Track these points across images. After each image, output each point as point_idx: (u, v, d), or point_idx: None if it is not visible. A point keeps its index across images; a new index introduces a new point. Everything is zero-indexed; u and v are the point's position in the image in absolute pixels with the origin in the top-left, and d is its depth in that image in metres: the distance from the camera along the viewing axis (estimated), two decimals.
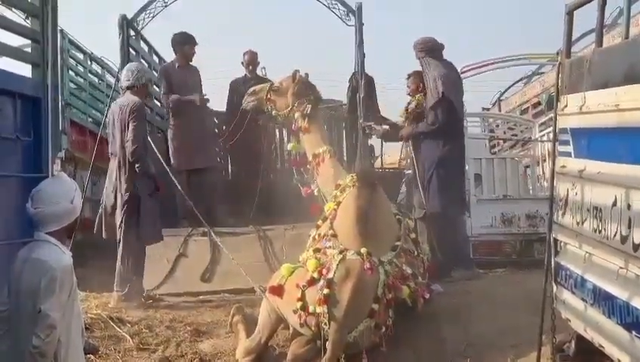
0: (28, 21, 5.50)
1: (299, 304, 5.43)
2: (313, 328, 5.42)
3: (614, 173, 4.05)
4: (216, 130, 11.39)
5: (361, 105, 8.43)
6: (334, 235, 5.87)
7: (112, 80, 10.14)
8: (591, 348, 4.53)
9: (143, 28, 9.24)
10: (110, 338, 5.95)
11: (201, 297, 7.40)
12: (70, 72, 9.74)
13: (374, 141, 9.12)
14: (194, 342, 5.98)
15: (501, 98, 15.57)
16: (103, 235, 7.15)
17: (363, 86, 8.43)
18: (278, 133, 10.77)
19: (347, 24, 8.81)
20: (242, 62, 10.06)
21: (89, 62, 10.52)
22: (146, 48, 9.89)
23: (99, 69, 10.99)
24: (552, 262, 5.02)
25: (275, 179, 10.31)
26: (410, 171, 8.66)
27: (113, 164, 7.12)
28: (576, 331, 4.83)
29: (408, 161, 8.82)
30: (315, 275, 5.49)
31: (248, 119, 8.24)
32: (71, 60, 9.76)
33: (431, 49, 7.91)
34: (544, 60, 11.74)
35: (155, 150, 7.44)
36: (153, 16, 9.15)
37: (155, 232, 7.22)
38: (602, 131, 4.31)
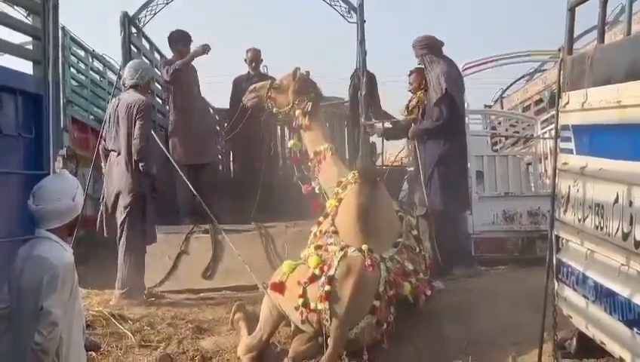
0: (29, 18, 5.50)
1: (300, 301, 5.43)
2: (314, 325, 5.42)
3: (616, 169, 4.04)
4: (218, 127, 11.41)
5: (362, 102, 8.42)
6: (335, 232, 5.87)
7: (113, 77, 10.13)
8: (592, 344, 4.53)
9: (144, 25, 9.25)
10: (112, 335, 5.95)
11: (202, 294, 7.40)
12: (72, 69, 9.75)
13: (377, 139, 9.12)
14: (195, 339, 5.98)
15: (503, 95, 15.54)
16: (104, 234, 7.14)
17: (365, 83, 8.42)
18: (279, 131, 10.78)
19: (349, 21, 8.82)
20: (245, 60, 10.10)
21: (90, 60, 10.52)
22: (147, 46, 9.90)
23: (100, 67, 10.99)
24: (554, 259, 5.02)
25: (276, 176, 10.30)
26: (412, 168, 8.65)
27: (113, 161, 7.08)
28: (577, 328, 4.83)
29: (410, 158, 8.82)
30: (317, 272, 5.49)
31: (250, 116, 8.24)
32: (72, 58, 9.76)
33: (432, 46, 7.92)
34: (546, 57, 11.73)
35: (162, 146, 7.45)
36: (155, 14, 9.16)
37: (154, 233, 7.23)
38: (604, 128, 4.30)
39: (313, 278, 5.47)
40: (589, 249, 4.44)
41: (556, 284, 4.99)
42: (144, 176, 6.97)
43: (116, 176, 7.03)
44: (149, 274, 7.29)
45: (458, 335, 5.78)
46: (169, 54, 9.54)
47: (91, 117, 10.18)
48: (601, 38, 4.75)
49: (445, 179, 7.73)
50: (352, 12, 8.75)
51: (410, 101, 8.37)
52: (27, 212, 3.88)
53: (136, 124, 6.92)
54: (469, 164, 8.74)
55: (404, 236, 6.08)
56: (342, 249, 5.58)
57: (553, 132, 5.36)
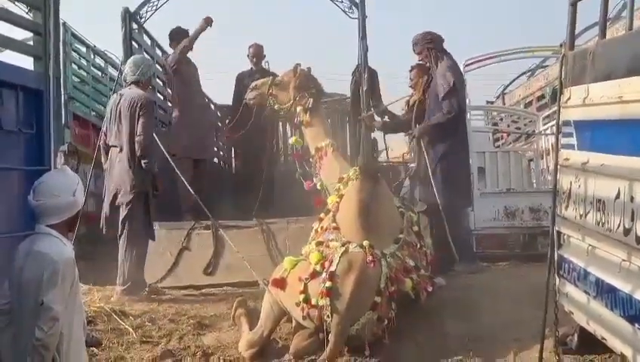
0: (30, 14, 5.49)
1: (301, 297, 5.43)
2: (315, 321, 5.42)
3: (617, 165, 4.03)
4: (219, 124, 11.43)
5: (364, 98, 8.41)
6: (337, 228, 5.87)
7: (114, 73, 10.13)
8: (594, 340, 4.53)
9: (145, 21, 9.24)
10: (113, 331, 5.95)
11: (203, 290, 7.40)
12: (73, 65, 9.74)
13: (378, 135, 9.12)
14: (197, 334, 5.98)
15: (505, 91, 15.53)
16: (104, 230, 7.14)
17: (366, 79, 8.41)
18: (281, 127, 10.79)
19: (350, 17, 8.80)
20: (247, 55, 10.15)
21: (92, 56, 10.51)
22: (148, 42, 9.89)
23: (102, 63, 10.98)
24: (555, 255, 5.02)
25: (278, 173, 10.31)
26: (414, 165, 8.65)
27: (115, 157, 7.06)
28: (579, 324, 4.83)
29: (412, 154, 8.82)
30: (318, 268, 5.49)
31: (252, 113, 8.24)
32: (74, 54, 9.75)
33: (436, 41, 7.90)
34: (548, 53, 11.68)
35: (161, 146, 7.45)
36: (156, 9, 9.16)
37: (153, 231, 7.24)
38: (605, 123, 4.29)
39: (314, 274, 5.47)
40: (590, 245, 4.44)
41: (557, 280, 4.98)
42: (146, 173, 6.97)
43: (118, 172, 7.01)
44: (151, 270, 7.30)
45: (459, 331, 5.78)
46: (170, 51, 9.58)
47: (93, 113, 10.17)
48: (603, 33, 4.75)
49: (448, 176, 7.72)
50: (353, 8, 8.74)
51: (411, 97, 8.36)
52: (28, 208, 3.88)
53: (139, 120, 6.91)
54: (470, 160, 8.73)
55: (405, 232, 6.07)
56: (343, 245, 5.58)
57: (555, 128, 5.35)
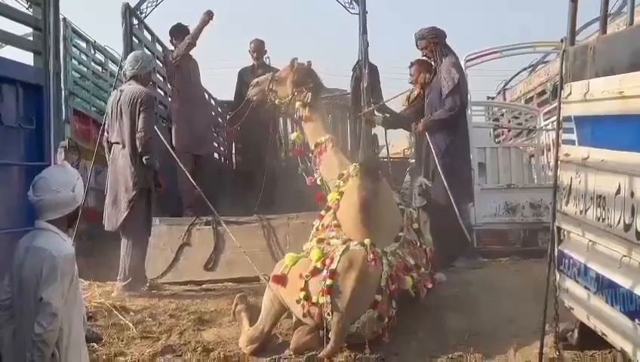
0: (30, 10, 5.48)
1: (302, 294, 5.42)
2: (316, 318, 5.41)
3: (618, 160, 4.03)
4: (220, 120, 11.42)
5: (364, 93, 8.40)
6: (338, 225, 5.85)
7: (115, 69, 10.12)
8: (594, 336, 4.53)
9: (146, 17, 9.23)
10: (113, 326, 5.95)
11: (204, 286, 7.39)
12: (73, 61, 9.72)
13: (379, 131, 9.11)
14: (197, 330, 5.97)
15: (506, 87, 15.52)
16: (106, 227, 7.13)
17: (367, 75, 8.39)
18: (282, 123, 10.78)
19: (350, 12, 8.80)
20: (249, 50, 10.15)
21: (92, 52, 10.49)
22: (149, 37, 9.88)
23: (102, 58, 10.96)
24: (556, 251, 5.01)
25: (280, 168, 10.30)
26: (414, 160, 8.64)
27: (118, 153, 7.06)
28: (579, 319, 4.83)
29: (412, 149, 8.80)
30: (319, 265, 5.48)
31: (254, 109, 8.23)
32: (74, 49, 9.73)
33: (441, 37, 7.87)
34: (549, 48, 11.66)
35: (163, 140, 7.46)
36: (156, 5, 9.16)
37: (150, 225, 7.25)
38: (606, 119, 4.29)
39: (315, 272, 5.47)
40: (590, 240, 4.44)
41: (558, 276, 4.98)
42: (148, 169, 6.96)
43: (120, 168, 7.00)
44: (151, 265, 7.30)
45: (459, 327, 5.77)
46: (171, 47, 9.56)
47: (93, 109, 10.15)
48: (604, 28, 4.74)
49: (449, 171, 7.70)
50: (353, 3, 8.73)
51: (411, 92, 8.34)
52: (28, 203, 3.89)
53: (140, 116, 6.90)
54: (470, 156, 8.72)
55: (406, 230, 6.05)
56: (344, 243, 5.58)
57: (555, 123, 5.34)
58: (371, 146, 8.95)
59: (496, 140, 12.69)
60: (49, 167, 4.40)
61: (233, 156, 12.07)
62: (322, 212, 6.28)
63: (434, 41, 7.83)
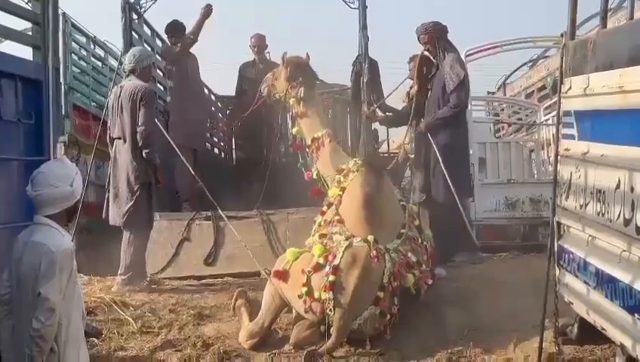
0: (29, 4, 5.47)
1: (304, 289, 5.41)
2: (318, 314, 5.40)
3: (618, 155, 4.02)
4: (220, 114, 11.42)
5: (364, 89, 8.38)
6: (340, 221, 5.82)
7: (115, 64, 10.11)
8: (593, 331, 4.53)
9: (145, 11, 9.22)
10: (113, 321, 5.95)
11: (204, 281, 7.40)
12: (73, 55, 9.71)
13: (380, 126, 9.09)
14: (197, 325, 5.97)
15: (506, 82, 15.50)
16: (110, 221, 7.13)
17: (367, 70, 8.38)
18: (280, 118, 10.77)
19: (350, 7, 8.79)
20: (250, 45, 10.14)
21: (92, 46, 10.48)
22: (148, 32, 9.87)
23: (102, 53, 10.95)
24: (555, 246, 5.01)
25: (280, 163, 10.30)
26: (414, 155, 8.62)
27: (120, 148, 7.05)
28: (578, 314, 4.83)
29: (413, 145, 8.79)
30: (321, 261, 5.47)
31: (256, 104, 8.20)
32: (74, 44, 9.72)
33: (443, 32, 7.83)
34: (549, 43, 11.64)
35: (165, 133, 7.45)
36: (156, 0, 9.13)
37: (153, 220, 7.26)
38: (606, 113, 4.28)
39: (317, 267, 5.45)
40: (590, 235, 4.43)
41: (558, 271, 4.98)
42: (148, 163, 6.97)
43: (122, 163, 7.01)
44: (151, 260, 7.30)
45: (459, 322, 5.78)
46: (169, 44, 9.56)
47: (93, 104, 10.15)
48: (604, 23, 4.73)
49: (450, 167, 7.69)
50: None
51: (411, 88, 8.32)
52: (27, 198, 3.88)
53: (140, 111, 6.90)
54: (470, 151, 8.72)
55: (407, 227, 6.03)
56: (347, 239, 5.55)
57: (555, 118, 5.33)
58: (372, 141, 8.94)
59: (497, 135, 12.68)
60: (48, 161, 4.39)
61: (233, 151, 12.07)
62: (324, 208, 6.26)
63: (436, 36, 7.80)
